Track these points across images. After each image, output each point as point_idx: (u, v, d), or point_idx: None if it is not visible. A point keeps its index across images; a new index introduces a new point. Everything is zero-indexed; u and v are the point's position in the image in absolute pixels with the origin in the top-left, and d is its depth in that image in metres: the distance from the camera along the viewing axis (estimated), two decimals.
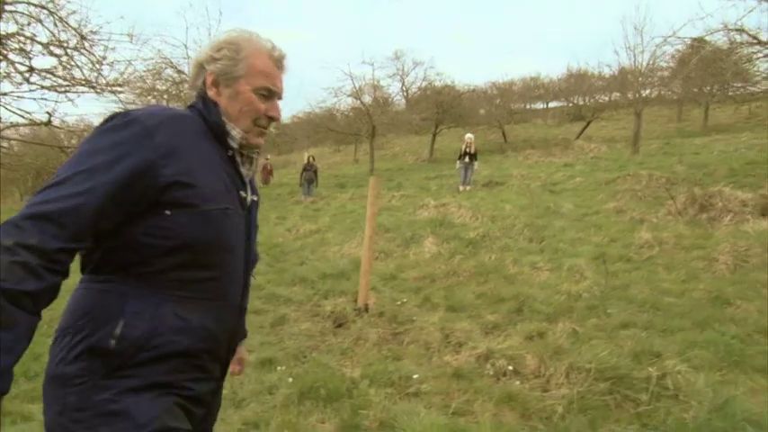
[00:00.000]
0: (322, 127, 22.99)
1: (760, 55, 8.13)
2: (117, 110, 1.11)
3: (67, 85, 7.83)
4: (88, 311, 1.01)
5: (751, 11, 7.41)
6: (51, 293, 0.91)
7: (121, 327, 0.98)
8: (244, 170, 1.19)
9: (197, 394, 1.09)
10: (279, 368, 3.41)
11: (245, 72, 1.13)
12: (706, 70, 9.78)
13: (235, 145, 1.15)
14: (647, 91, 17.56)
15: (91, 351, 0.98)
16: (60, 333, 1.03)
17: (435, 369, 3.32)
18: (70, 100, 7.98)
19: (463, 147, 12.45)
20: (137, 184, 0.97)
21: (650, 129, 22.03)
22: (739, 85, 10.46)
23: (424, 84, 22.77)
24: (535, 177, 12.37)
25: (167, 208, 1.01)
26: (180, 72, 15.10)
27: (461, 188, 12.14)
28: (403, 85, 24.25)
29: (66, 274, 0.94)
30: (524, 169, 13.77)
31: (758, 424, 2.19)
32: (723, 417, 2.27)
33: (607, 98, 23.77)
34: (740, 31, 7.81)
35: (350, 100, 20.90)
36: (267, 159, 20.30)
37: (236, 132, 1.14)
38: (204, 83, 1.16)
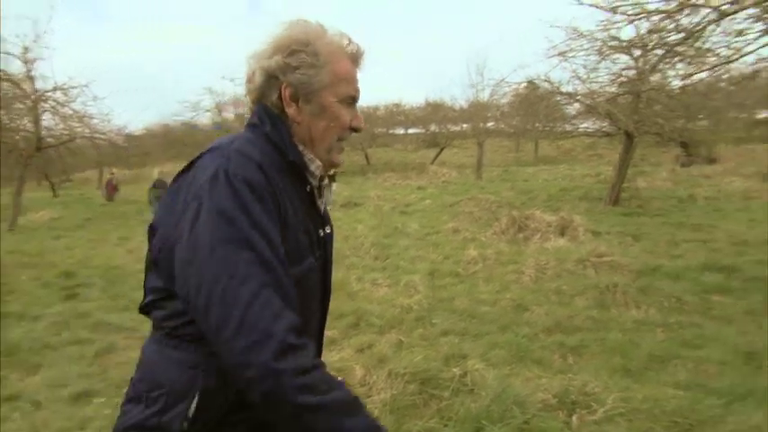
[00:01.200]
0: (178, 142, 21.67)
1: (563, 102, 10.04)
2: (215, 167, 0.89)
3: None
4: (161, 384, 0.93)
5: (555, 67, 9.12)
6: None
7: (194, 409, 0.91)
8: (320, 203, 1.04)
9: None
10: (96, 400, 3.21)
11: (329, 81, 0.94)
12: (528, 111, 11.57)
13: (314, 182, 1.00)
14: (490, 123, 19.97)
15: (163, 428, 0.92)
16: (136, 395, 0.97)
17: None
18: None
19: None
20: None
21: (493, 157, 24.94)
22: (557, 124, 12.55)
23: None
24: (391, 199, 13.18)
25: None
26: None
27: None
28: None
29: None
30: (382, 191, 14.59)
31: (522, 404, 2.71)
32: (499, 402, 2.75)
33: (459, 128, 26.38)
34: (548, 81, 9.48)
35: (209, 115, 20.10)
36: (113, 174, 18.50)
37: (315, 167, 0.98)
38: (280, 97, 0.95)
